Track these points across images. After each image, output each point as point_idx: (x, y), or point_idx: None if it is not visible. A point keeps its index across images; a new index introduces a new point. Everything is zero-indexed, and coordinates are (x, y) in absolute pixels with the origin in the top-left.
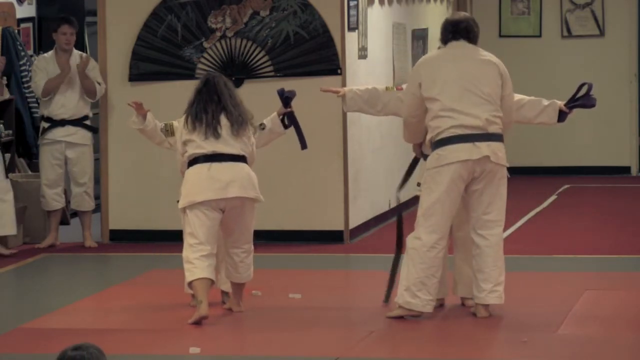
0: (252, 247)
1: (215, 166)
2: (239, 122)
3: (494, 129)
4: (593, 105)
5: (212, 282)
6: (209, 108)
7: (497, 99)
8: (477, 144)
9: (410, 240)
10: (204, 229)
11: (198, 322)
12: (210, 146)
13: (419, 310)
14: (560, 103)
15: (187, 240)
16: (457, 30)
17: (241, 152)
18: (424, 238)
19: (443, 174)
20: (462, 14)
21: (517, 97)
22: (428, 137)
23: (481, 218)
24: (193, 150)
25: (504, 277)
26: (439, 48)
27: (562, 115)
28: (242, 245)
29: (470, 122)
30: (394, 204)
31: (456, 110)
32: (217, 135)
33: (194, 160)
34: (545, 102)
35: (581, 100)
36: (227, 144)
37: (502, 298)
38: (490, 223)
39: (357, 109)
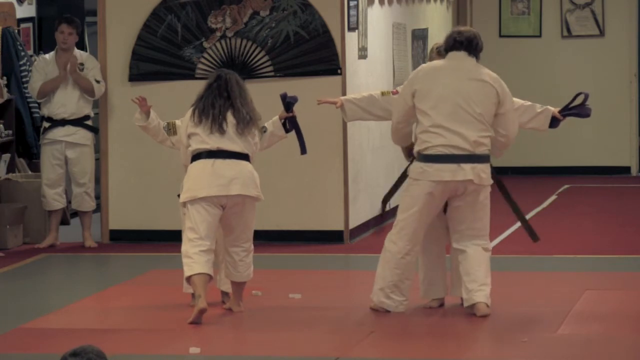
0: (252, 246)
1: (219, 162)
2: (245, 121)
3: (481, 150)
4: (588, 116)
5: (210, 277)
6: (216, 103)
7: (489, 119)
8: (462, 165)
9: (387, 242)
10: (205, 225)
11: (197, 321)
12: (214, 142)
13: (391, 310)
14: (554, 110)
15: (187, 234)
16: (460, 40)
17: (245, 151)
18: (399, 245)
19: (424, 188)
20: (468, 28)
21: None
22: (416, 148)
23: (464, 233)
24: (197, 145)
25: (490, 282)
26: (436, 50)
27: (554, 122)
28: (242, 243)
29: (458, 142)
30: (378, 212)
31: (445, 128)
32: (222, 131)
33: (197, 156)
34: (539, 109)
35: (576, 109)
36: (231, 141)
37: (489, 300)
38: (473, 238)
39: (358, 118)
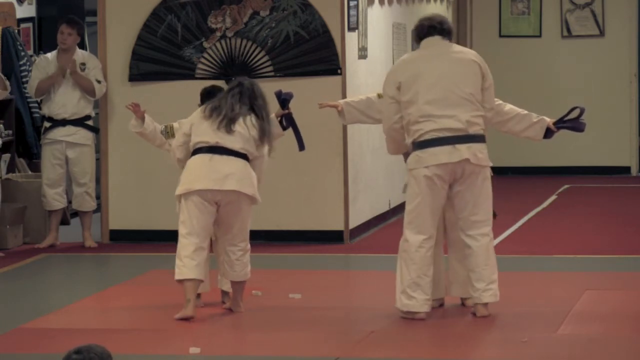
0: (249, 245)
1: (217, 158)
2: (264, 132)
3: (475, 130)
4: (582, 130)
5: (200, 282)
6: (235, 106)
7: (479, 97)
8: (457, 146)
9: (401, 242)
10: (195, 221)
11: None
12: (216, 138)
13: (416, 310)
14: (549, 121)
15: (180, 229)
16: (432, 25)
17: (243, 150)
18: (410, 239)
19: (423, 175)
20: (434, 13)
21: (508, 107)
22: (409, 140)
23: (468, 219)
24: (199, 138)
25: (497, 275)
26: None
27: (548, 133)
28: (239, 243)
29: (450, 124)
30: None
31: (435, 115)
32: (229, 130)
33: (197, 150)
34: (535, 118)
35: (571, 123)
36: (234, 140)
37: (497, 296)
38: (477, 224)
39: (356, 121)
